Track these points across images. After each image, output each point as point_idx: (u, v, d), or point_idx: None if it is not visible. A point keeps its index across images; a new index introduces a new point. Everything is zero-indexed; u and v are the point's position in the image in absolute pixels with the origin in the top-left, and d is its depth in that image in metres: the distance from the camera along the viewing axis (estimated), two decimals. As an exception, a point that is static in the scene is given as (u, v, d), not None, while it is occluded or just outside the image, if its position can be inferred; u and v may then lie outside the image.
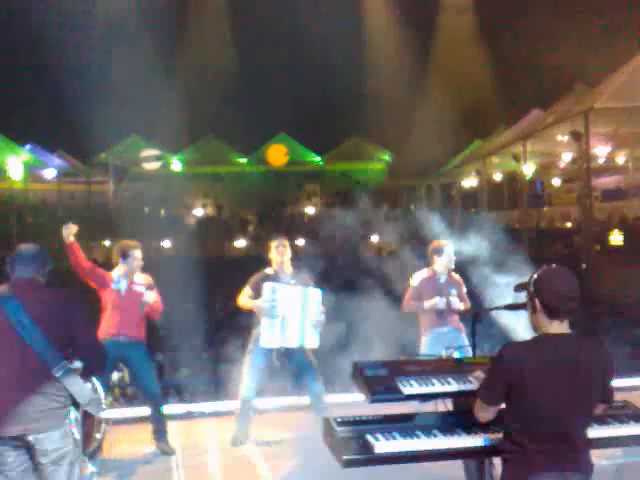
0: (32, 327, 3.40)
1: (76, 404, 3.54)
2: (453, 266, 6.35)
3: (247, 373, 5.94)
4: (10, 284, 3.55)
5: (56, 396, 3.46)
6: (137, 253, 5.71)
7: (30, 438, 3.40)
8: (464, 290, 6.36)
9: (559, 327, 2.94)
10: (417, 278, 6.32)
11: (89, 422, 3.61)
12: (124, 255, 5.68)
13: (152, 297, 5.72)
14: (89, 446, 3.69)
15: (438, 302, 6.12)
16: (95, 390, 3.64)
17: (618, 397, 3.33)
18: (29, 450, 3.43)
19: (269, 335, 5.84)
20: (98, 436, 3.69)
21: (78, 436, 3.55)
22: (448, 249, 6.30)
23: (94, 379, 3.66)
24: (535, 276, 3.00)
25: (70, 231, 5.47)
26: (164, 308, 5.80)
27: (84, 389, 3.55)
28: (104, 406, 3.72)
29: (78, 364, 3.58)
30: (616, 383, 3.06)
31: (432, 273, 6.33)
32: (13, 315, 3.41)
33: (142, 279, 5.77)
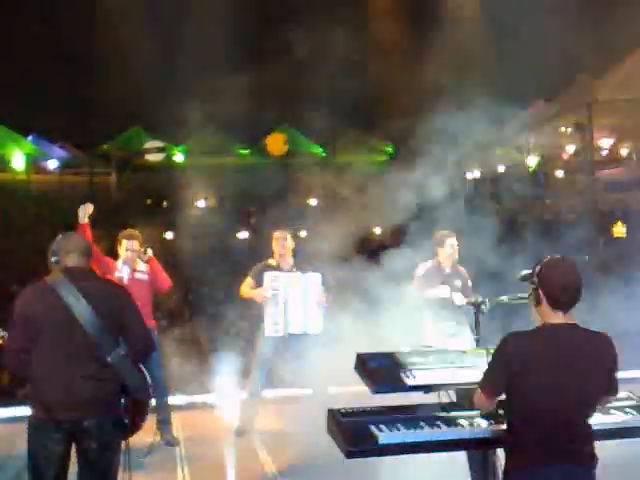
0: (91, 312, 3.45)
1: (126, 391, 3.58)
2: (457, 257, 6.34)
3: (254, 363, 5.97)
4: (63, 272, 3.57)
5: (109, 382, 3.50)
6: (132, 244, 5.76)
7: (84, 423, 3.44)
8: (469, 283, 6.35)
9: (562, 318, 2.94)
10: (421, 268, 6.32)
11: (137, 409, 3.65)
12: (122, 242, 5.78)
13: (149, 251, 5.83)
14: (133, 433, 3.72)
15: (444, 290, 6.11)
16: (144, 378, 3.67)
17: (624, 389, 3.33)
18: (78, 434, 3.46)
19: (273, 323, 5.87)
20: (143, 423, 3.72)
21: (127, 422, 3.59)
22: (450, 240, 6.30)
23: (142, 367, 3.69)
24: (538, 267, 3.00)
25: (86, 211, 5.54)
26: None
27: (135, 376, 3.60)
28: (152, 394, 3.76)
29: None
30: (622, 375, 3.06)
31: (436, 264, 6.33)
32: (71, 300, 3.45)
33: (144, 266, 5.82)
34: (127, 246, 5.75)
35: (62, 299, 3.46)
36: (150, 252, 5.90)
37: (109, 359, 3.49)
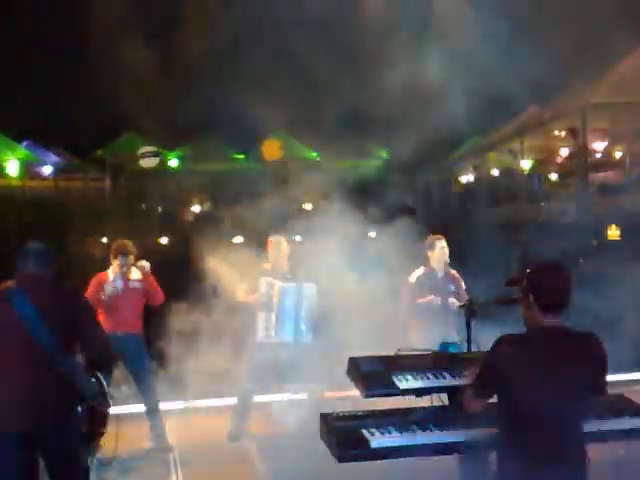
0: (38, 321, 3.42)
1: (82, 399, 3.56)
2: (447, 259, 6.36)
3: (245, 368, 5.96)
4: (18, 279, 3.56)
5: (62, 391, 3.47)
6: (129, 259, 5.74)
7: (39, 435, 3.41)
8: (463, 286, 6.37)
9: (552, 321, 2.95)
10: (414, 275, 6.34)
11: (94, 417, 3.63)
12: (117, 256, 5.73)
13: (146, 265, 5.83)
14: (93, 441, 3.70)
15: (433, 300, 6.13)
16: (101, 385, 3.66)
17: (616, 391, 3.34)
18: (35, 445, 3.44)
19: (265, 329, 5.87)
20: (103, 431, 3.70)
21: (84, 431, 3.58)
22: (439, 243, 6.32)
23: (99, 374, 3.67)
24: (529, 271, 3.01)
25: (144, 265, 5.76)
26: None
27: (90, 384, 3.57)
28: (110, 401, 3.73)
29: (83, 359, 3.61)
30: (615, 377, 3.07)
31: (428, 270, 6.34)
32: (20, 309, 3.43)
33: (138, 275, 5.80)
34: (121, 262, 5.70)
35: (11, 307, 3.43)
36: (148, 266, 5.86)
37: (61, 368, 3.45)
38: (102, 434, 3.70)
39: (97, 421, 3.65)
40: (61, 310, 3.53)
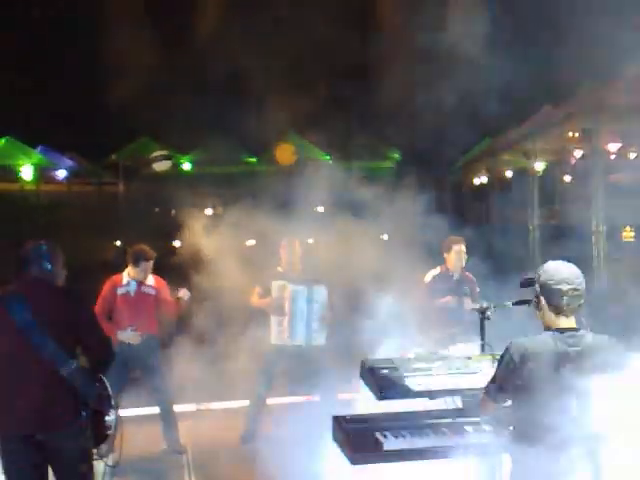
0: (38, 327, 3.40)
1: (86, 403, 3.55)
2: (463, 264, 6.33)
3: (258, 371, 5.97)
4: (18, 283, 3.56)
5: (65, 395, 3.47)
6: (147, 265, 5.73)
7: (41, 438, 3.42)
8: (477, 289, 6.34)
9: (566, 322, 2.93)
10: (429, 275, 6.32)
11: (99, 420, 3.63)
12: (135, 262, 5.70)
13: (186, 293, 5.81)
14: (100, 444, 3.71)
15: (450, 301, 6.11)
16: (104, 388, 3.65)
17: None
18: (40, 449, 3.45)
19: (278, 332, 5.88)
20: (109, 434, 3.69)
21: (89, 434, 3.57)
22: (456, 247, 6.29)
23: (103, 377, 3.66)
24: (539, 272, 2.99)
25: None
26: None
27: (93, 387, 3.57)
28: (114, 404, 3.72)
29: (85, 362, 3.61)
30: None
31: (444, 270, 6.32)
32: (19, 315, 3.41)
33: (152, 281, 5.79)
34: (142, 268, 5.68)
35: (7, 313, 3.41)
36: (187, 296, 5.83)
37: (62, 373, 3.44)
38: (107, 437, 3.68)
39: (102, 425, 3.63)
40: (61, 312, 3.52)
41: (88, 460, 3.58)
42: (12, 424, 3.42)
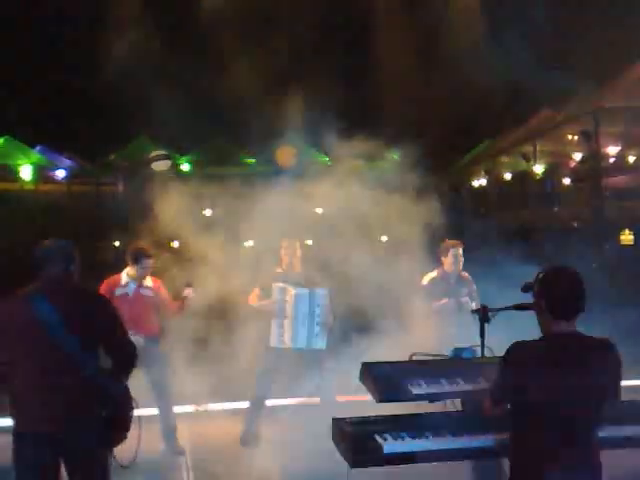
0: (61, 327, 3.39)
1: (106, 403, 3.55)
2: (460, 267, 6.33)
3: (258, 373, 5.97)
4: (40, 282, 3.54)
5: (86, 394, 3.47)
6: (148, 262, 5.70)
7: (59, 436, 3.42)
8: (474, 288, 6.35)
9: (565, 326, 2.93)
10: (427, 278, 6.33)
11: (117, 421, 3.63)
12: (136, 260, 5.67)
13: (191, 293, 5.81)
14: (117, 445, 3.70)
15: (447, 303, 6.12)
16: (125, 389, 3.65)
17: (630, 397, 3.31)
18: (55, 449, 3.45)
19: (278, 335, 5.87)
20: (125, 436, 3.69)
21: (107, 435, 3.57)
22: (453, 250, 6.29)
23: (124, 378, 3.66)
24: (539, 276, 2.99)
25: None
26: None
27: (114, 388, 3.57)
28: (134, 405, 3.73)
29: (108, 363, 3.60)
30: (633, 382, 3.04)
31: (442, 273, 6.33)
32: (42, 315, 3.40)
33: (150, 282, 5.77)
34: (146, 264, 5.64)
35: (34, 313, 3.40)
36: (191, 294, 5.84)
37: (85, 372, 3.44)
38: (124, 438, 3.68)
39: (120, 425, 3.63)
40: (82, 313, 3.50)
41: (104, 460, 3.58)
42: (31, 421, 3.42)
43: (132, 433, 3.77)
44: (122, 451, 3.83)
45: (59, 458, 3.49)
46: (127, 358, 3.67)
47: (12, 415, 3.49)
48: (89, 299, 3.65)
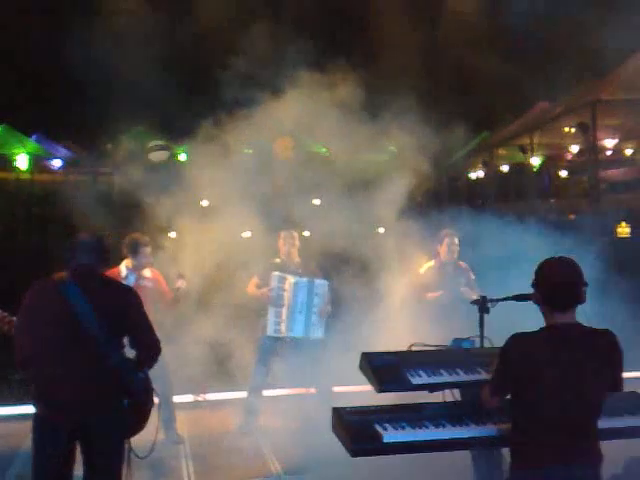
0: (92, 314, 3.45)
1: (128, 392, 3.59)
2: (456, 256, 6.33)
3: (255, 362, 5.98)
4: (71, 271, 3.58)
5: (110, 383, 3.52)
6: (147, 250, 5.68)
7: (85, 423, 3.47)
8: (472, 276, 6.35)
9: (564, 317, 2.94)
10: (424, 267, 6.33)
11: (138, 412, 3.67)
12: (134, 250, 5.65)
13: (183, 283, 5.78)
14: (135, 434, 3.74)
15: (442, 295, 6.11)
16: (147, 380, 3.69)
17: (629, 388, 3.33)
18: (80, 433, 3.49)
19: (275, 324, 5.88)
20: (143, 426, 3.74)
21: (127, 423, 3.61)
22: (448, 239, 6.29)
23: (146, 369, 3.70)
24: (537, 268, 3.01)
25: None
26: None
27: (137, 379, 3.61)
28: (154, 396, 3.78)
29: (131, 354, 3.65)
30: (634, 374, 3.06)
31: (439, 262, 6.33)
32: (74, 301, 3.45)
33: (149, 273, 5.76)
34: (143, 253, 5.60)
35: (65, 299, 3.46)
36: (184, 285, 5.81)
37: (111, 361, 3.50)
38: (142, 428, 3.73)
39: (141, 416, 3.68)
40: (111, 305, 3.56)
41: (122, 449, 3.61)
42: (54, 407, 3.45)
43: (150, 424, 3.80)
44: (138, 441, 3.85)
45: (75, 443, 3.53)
46: (152, 351, 3.72)
47: (34, 399, 3.53)
48: (119, 291, 3.72)
